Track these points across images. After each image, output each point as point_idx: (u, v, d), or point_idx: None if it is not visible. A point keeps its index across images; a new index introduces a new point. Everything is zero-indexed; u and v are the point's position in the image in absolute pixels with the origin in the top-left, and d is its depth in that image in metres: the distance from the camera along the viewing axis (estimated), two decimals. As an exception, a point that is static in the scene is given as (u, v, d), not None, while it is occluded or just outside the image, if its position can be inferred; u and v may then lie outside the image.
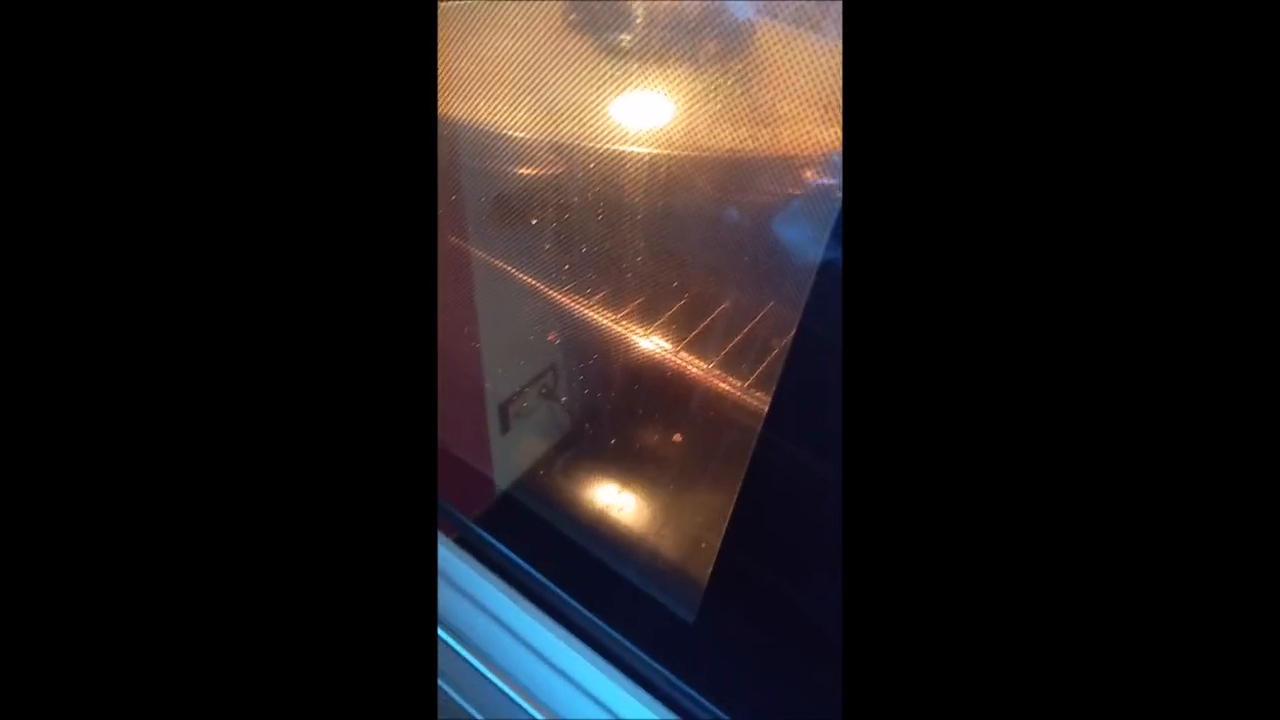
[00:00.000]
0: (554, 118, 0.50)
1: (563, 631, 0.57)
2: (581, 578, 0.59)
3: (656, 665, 0.54)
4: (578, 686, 0.57)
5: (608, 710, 0.55)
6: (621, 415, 0.64)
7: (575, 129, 0.50)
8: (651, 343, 0.59)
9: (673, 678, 0.54)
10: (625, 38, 0.46)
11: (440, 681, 0.66)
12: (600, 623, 0.57)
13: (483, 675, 0.59)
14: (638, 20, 0.45)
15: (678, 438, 0.65)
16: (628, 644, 0.56)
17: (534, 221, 0.57)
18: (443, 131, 0.53)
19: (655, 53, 0.45)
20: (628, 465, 0.65)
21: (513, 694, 0.58)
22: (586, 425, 0.66)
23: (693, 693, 0.52)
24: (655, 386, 0.61)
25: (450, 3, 0.48)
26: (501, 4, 0.47)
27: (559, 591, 0.59)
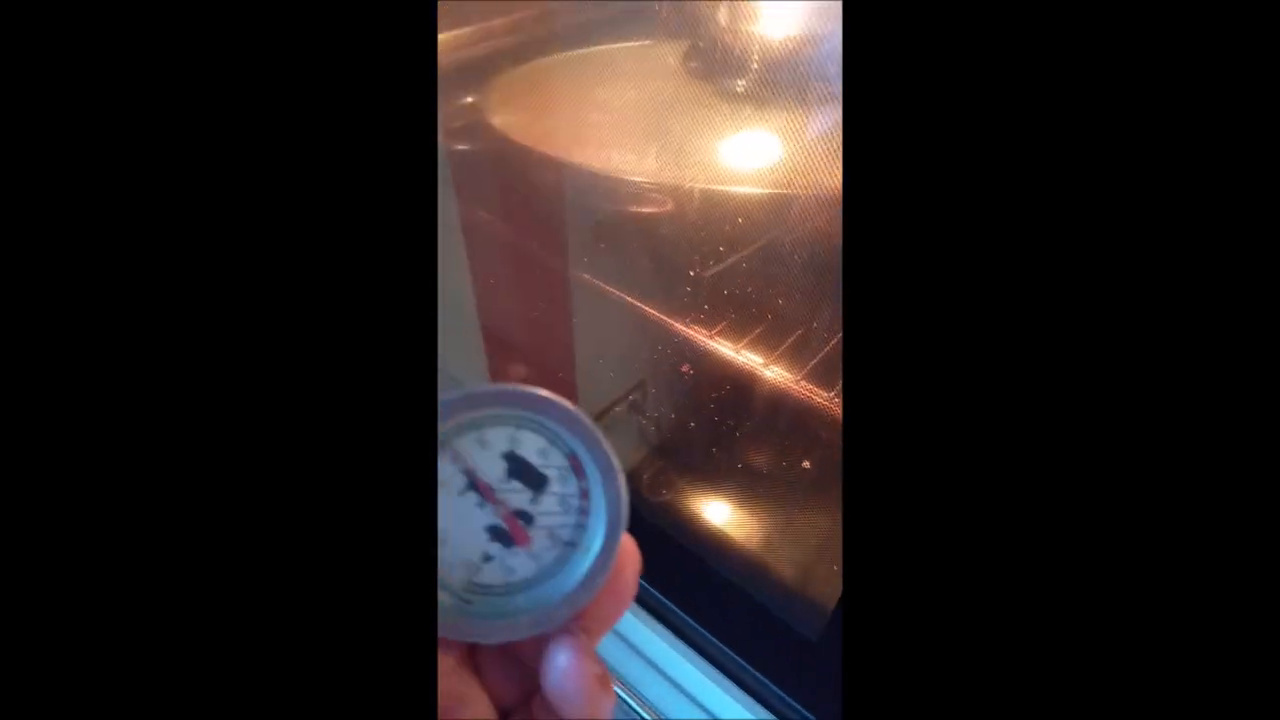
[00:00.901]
0: (676, 160, 0.52)
1: (686, 648, 0.59)
2: (704, 596, 0.61)
3: (775, 686, 0.55)
4: (697, 703, 0.58)
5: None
6: (746, 441, 0.65)
7: (696, 171, 0.52)
8: (773, 372, 0.60)
9: (791, 700, 0.54)
10: (740, 83, 0.47)
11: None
12: (722, 644, 0.58)
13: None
14: (753, 65, 0.47)
15: (807, 464, 0.66)
16: (748, 665, 0.57)
17: (662, 260, 0.59)
18: (572, 178, 0.57)
19: (770, 96, 0.46)
20: (753, 488, 0.66)
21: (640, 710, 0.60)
22: (714, 450, 0.68)
23: (810, 716, 0.53)
24: (779, 413, 0.62)
25: (579, 52, 0.51)
26: (626, 55, 0.50)
27: (680, 611, 0.60)
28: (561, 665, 0.22)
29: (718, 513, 0.65)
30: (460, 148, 0.60)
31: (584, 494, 0.25)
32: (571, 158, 0.55)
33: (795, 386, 0.60)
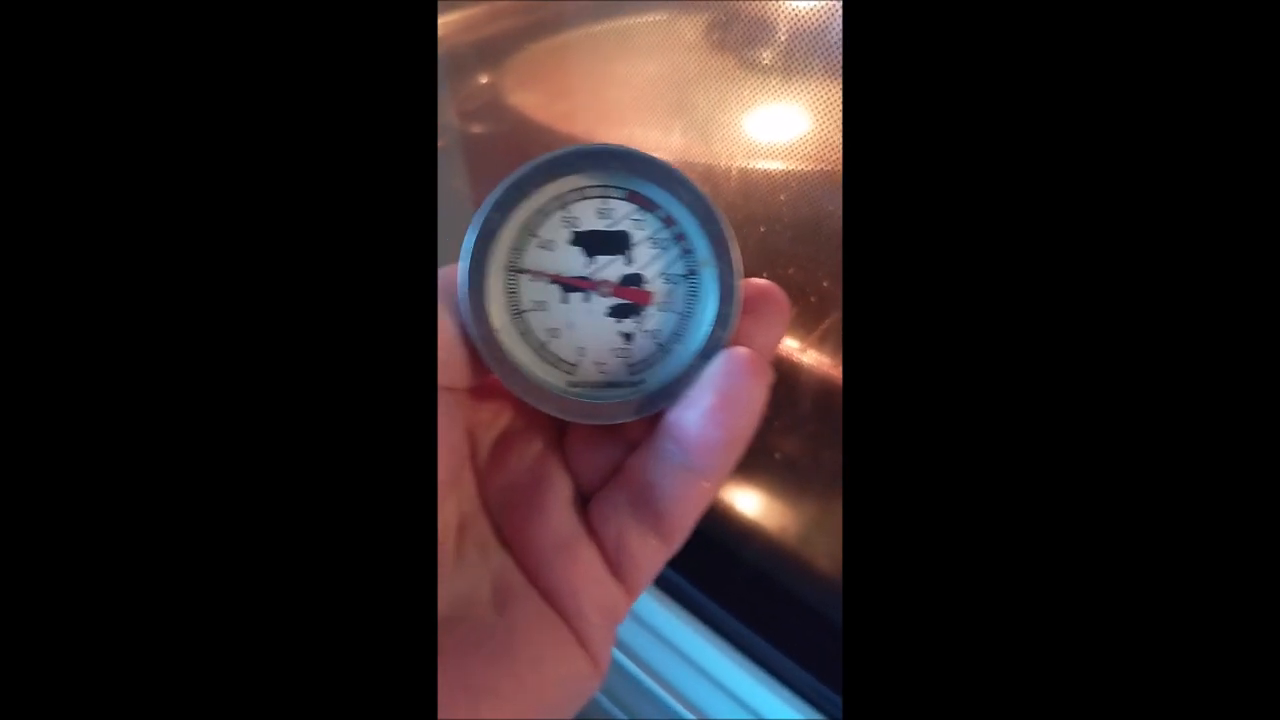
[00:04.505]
0: (703, 136, 0.50)
1: (730, 649, 0.59)
2: (742, 591, 0.60)
3: (815, 680, 0.54)
4: (736, 699, 0.57)
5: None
6: (780, 429, 0.63)
7: (724, 147, 0.49)
8: (809, 356, 0.58)
9: (830, 692, 0.53)
10: (766, 54, 0.45)
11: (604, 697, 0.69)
12: (764, 640, 0.58)
13: (646, 687, 0.62)
14: (779, 36, 0.44)
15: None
16: (794, 661, 0.56)
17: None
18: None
19: (799, 67, 0.43)
20: (787, 479, 0.64)
21: (675, 704, 0.60)
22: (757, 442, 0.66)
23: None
24: (814, 400, 0.60)
25: (595, 28, 0.49)
26: (644, 29, 0.48)
27: (719, 605, 0.59)
28: (726, 358, 0.22)
29: (752, 504, 0.64)
30: (476, 130, 0.58)
31: (668, 221, 0.24)
32: (593, 136, 0.53)
33: (833, 371, 0.58)
